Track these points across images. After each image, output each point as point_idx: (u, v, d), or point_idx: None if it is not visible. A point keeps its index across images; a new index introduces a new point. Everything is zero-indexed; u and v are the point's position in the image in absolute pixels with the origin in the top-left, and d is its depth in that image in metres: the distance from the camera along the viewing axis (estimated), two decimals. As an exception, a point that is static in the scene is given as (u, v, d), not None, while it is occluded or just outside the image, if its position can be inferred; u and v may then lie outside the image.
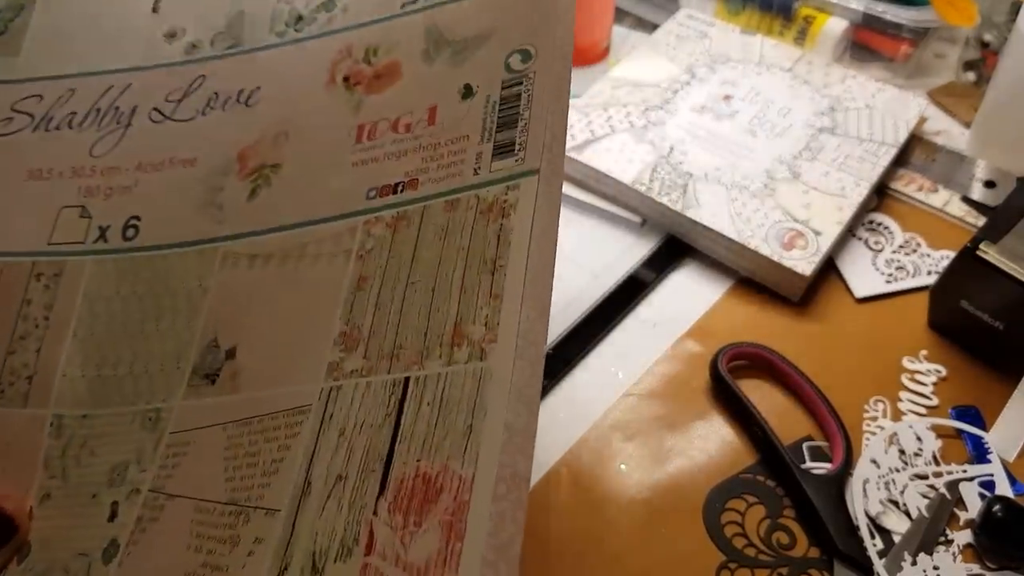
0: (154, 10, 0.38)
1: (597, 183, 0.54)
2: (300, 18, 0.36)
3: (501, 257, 0.27)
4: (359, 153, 0.32)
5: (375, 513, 0.25)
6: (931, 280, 0.49)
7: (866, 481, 0.41)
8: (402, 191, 0.30)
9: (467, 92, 0.31)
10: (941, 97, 0.62)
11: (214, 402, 0.30)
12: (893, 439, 0.43)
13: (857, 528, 0.39)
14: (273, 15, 0.36)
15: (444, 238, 0.29)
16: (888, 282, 0.50)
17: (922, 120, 0.58)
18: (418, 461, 0.26)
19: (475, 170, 0.29)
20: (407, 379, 0.27)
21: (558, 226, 0.27)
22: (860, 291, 0.50)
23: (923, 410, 0.44)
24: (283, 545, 0.26)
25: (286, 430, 0.28)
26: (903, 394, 0.45)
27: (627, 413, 0.45)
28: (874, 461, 0.42)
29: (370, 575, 0.24)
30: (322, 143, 0.33)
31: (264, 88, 0.35)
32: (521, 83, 0.30)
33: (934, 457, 0.42)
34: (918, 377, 0.46)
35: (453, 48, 0.32)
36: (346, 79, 0.33)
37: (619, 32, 0.66)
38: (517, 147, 0.29)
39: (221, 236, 0.33)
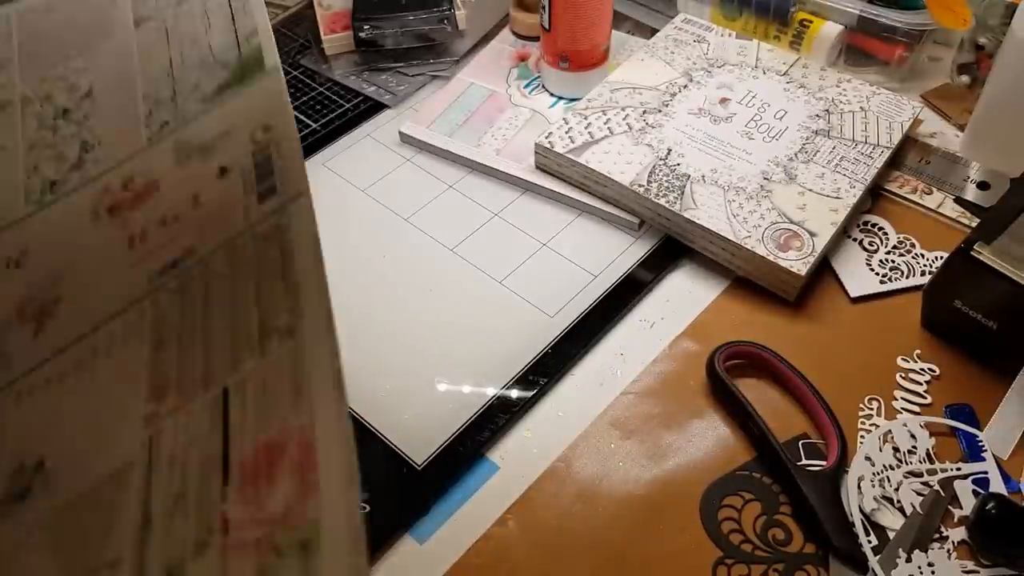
0: None
1: (596, 185, 0.55)
2: (54, 183, 0.37)
3: (287, 255, 0.31)
4: (135, 256, 0.34)
5: (223, 501, 0.27)
6: (925, 280, 0.49)
7: (861, 478, 0.42)
8: (182, 263, 0.33)
9: (222, 172, 0.35)
10: (935, 100, 0.62)
11: (32, 517, 0.29)
12: (887, 437, 0.43)
13: (852, 525, 0.40)
14: (26, 191, 0.37)
15: (232, 271, 0.32)
16: (882, 282, 0.50)
17: (916, 122, 0.58)
18: (256, 437, 0.28)
19: (245, 215, 0.34)
20: (225, 389, 0.30)
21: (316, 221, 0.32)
22: (855, 291, 0.50)
23: (917, 408, 0.45)
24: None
25: (113, 493, 0.29)
26: (897, 392, 0.45)
27: (625, 411, 0.45)
28: (869, 459, 0.42)
29: (234, 549, 0.27)
30: (98, 264, 0.35)
31: (31, 247, 0.36)
32: (268, 147, 0.35)
33: (928, 455, 0.43)
34: (912, 376, 0.46)
35: (202, 148, 0.36)
36: (109, 210, 0.36)
37: (617, 36, 0.67)
38: (278, 188, 0.34)
39: (9, 380, 0.32)
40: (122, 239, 0.34)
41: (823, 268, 0.51)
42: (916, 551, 0.39)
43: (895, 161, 0.57)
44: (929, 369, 0.46)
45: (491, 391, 0.46)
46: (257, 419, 0.29)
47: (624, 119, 0.57)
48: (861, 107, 0.57)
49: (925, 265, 0.51)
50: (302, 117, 0.64)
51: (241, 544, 0.27)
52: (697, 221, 0.50)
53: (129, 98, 0.39)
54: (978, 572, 0.39)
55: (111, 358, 0.32)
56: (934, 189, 0.55)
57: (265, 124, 0.36)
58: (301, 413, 0.28)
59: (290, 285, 0.31)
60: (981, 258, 0.43)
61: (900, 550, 0.39)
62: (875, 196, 0.55)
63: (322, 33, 0.68)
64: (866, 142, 0.55)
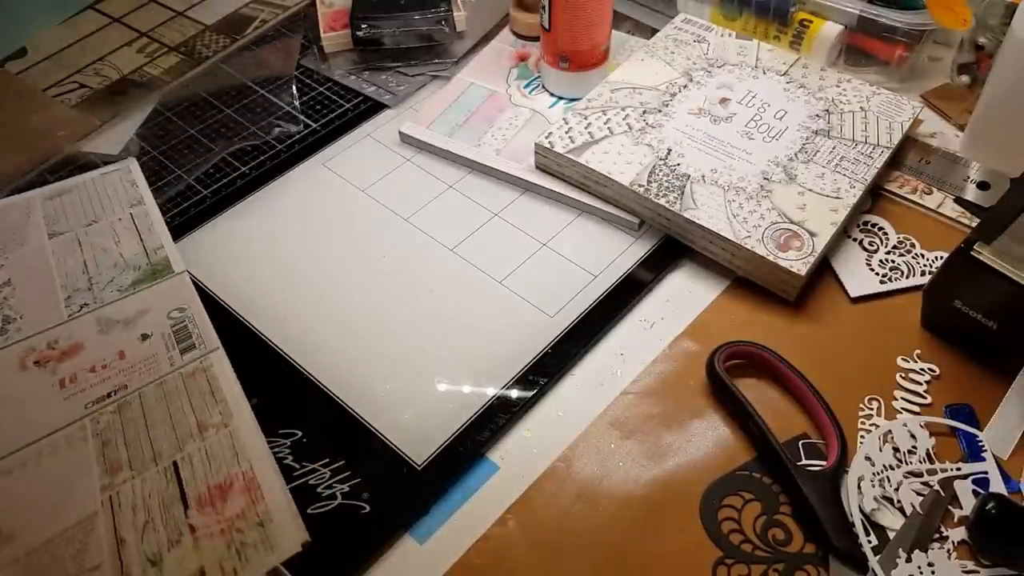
0: None
1: (596, 185, 0.55)
2: None
3: (214, 383, 0.45)
4: (66, 392, 0.45)
5: (187, 516, 0.39)
6: (925, 280, 0.49)
7: (861, 478, 0.42)
8: (115, 394, 0.45)
9: (145, 336, 0.47)
10: (935, 100, 0.62)
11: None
12: (887, 437, 0.43)
13: (852, 525, 0.40)
14: None
15: (165, 397, 0.44)
16: (882, 282, 0.50)
17: (916, 122, 0.58)
18: (207, 482, 0.40)
19: (170, 363, 0.46)
20: (174, 462, 0.41)
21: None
22: (854, 291, 0.50)
23: (917, 408, 0.45)
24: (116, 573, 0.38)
25: (80, 534, 0.39)
26: (897, 392, 0.45)
27: (625, 411, 0.45)
28: (869, 459, 0.42)
29: (203, 537, 0.38)
30: (28, 398, 0.45)
31: None
32: (183, 321, 0.48)
33: (928, 455, 0.43)
34: (912, 376, 0.46)
35: (123, 322, 0.48)
36: (36, 362, 0.46)
37: (617, 36, 0.67)
38: (196, 344, 0.47)
39: None
40: (52, 382, 0.45)
41: (823, 268, 0.51)
42: (916, 551, 0.39)
43: (895, 161, 0.57)
44: (929, 369, 0.46)
45: (491, 391, 0.46)
46: (205, 474, 0.41)
47: (624, 119, 0.57)
48: (861, 107, 0.57)
49: (925, 265, 0.51)
50: (302, 117, 0.64)
51: (209, 535, 0.39)
52: (697, 221, 0.50)
53: (47, 286, 0.50)
54: (978, 572, 0.39)
55: (57, 456, 0.42)
56: (934, 189, 0.55)
57: (179, 306, 0.48)
58: (242, 463, 0.41)
59: (219, 400, 0.44)
60: (981, 258, 0.43)
61: (900, 550, 0.39)
62: (875, 196, 0.55)
63: (322, 31, 0.68)
64: (866, 142, 0.55)
